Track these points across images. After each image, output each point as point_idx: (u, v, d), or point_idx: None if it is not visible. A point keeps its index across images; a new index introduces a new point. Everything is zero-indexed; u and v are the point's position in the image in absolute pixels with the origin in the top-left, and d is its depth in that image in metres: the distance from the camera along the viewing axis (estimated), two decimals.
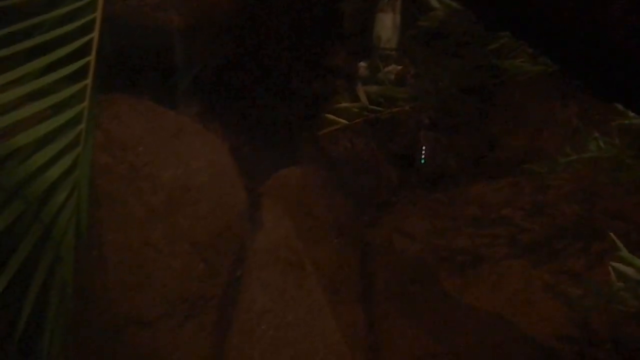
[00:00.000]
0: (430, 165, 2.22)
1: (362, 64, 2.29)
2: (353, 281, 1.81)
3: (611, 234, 1.43)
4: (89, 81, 1.48)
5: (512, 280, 1.82)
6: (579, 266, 1.77)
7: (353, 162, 2.17)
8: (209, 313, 1.66)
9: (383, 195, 2.15)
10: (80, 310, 1.54)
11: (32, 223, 1.32)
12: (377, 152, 2.21)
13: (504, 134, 2.21)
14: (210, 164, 1.74)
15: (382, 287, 1.81)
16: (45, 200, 1.35)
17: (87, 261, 1.57)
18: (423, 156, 2.18)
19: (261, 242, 1.70)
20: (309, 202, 1.93)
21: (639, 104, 1.11)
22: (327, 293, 1.71)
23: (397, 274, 1.86)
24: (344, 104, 1.82)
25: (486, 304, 1.77)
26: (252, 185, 1.87)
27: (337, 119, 1.79)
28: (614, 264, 1.34)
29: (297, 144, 2.13)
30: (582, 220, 1.89)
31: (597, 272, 1.72)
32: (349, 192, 2.06)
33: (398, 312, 1.75)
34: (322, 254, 1.81)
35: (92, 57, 1.49)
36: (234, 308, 1.68)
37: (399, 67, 2.24)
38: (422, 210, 2.06)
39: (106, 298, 1.59)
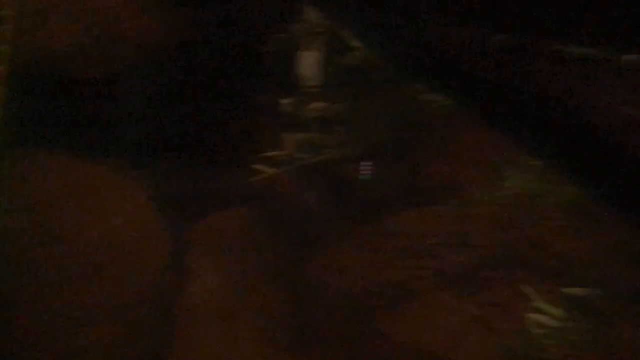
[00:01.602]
0: (358, 197, 2.26)
1: (286, 101, 2.31)
2: (287, 327, 1.80)
3: (522, 287, 1.50)
4: None
5: (440, 314, 1.87)
6: (503, 296, 1.84)
7: (283, 200, 2.17)
8: None
9: (314, 232, 2.16)
10: None
11: None
12: (307, 189, 2.23)
13: (427, 164, 2.28)
14: (131, 218, 1.69)
15: (316, 331, 1.81)
16: None
17: None
18: (368, 173, 2.20)
19: (191, 296, 1.67)
20: (239, 247, 1.91)
21: None
22: (262, 343, 1.69)
23: (332, 315, 1.87)
24: (269, 153, 1.83)
25: (418, 340, 1.80)
26: (178, 234, 1.84)
27: (262, 168, 1.80)
28: (529, 315, 1.40)
29: (223, 186, 2.12)
30: (503, 249, 1.98)
31: (520, 301, 1.79)
32: (280, 233, 2.06)
33: (334, 356, 1.76)
34: (255, 301, 1.80)
35: None
36: None
37: (323, 105, 2.27)
38: (352, 244, 2.09)
39: None
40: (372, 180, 2.25)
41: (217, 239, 1.87)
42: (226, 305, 1.70)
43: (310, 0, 2.33)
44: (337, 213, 2.19)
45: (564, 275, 1.79)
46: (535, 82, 1.77)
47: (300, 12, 2.38)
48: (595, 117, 1.76)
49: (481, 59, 1.80)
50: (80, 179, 1.70)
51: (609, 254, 1.81)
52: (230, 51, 2.25)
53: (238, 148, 2.18)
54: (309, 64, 2.34)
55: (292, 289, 1.93)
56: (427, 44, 2.03)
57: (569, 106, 1.78)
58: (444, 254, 2.01)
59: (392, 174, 2.27)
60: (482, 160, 2.15)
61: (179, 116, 2.18)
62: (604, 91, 1.74)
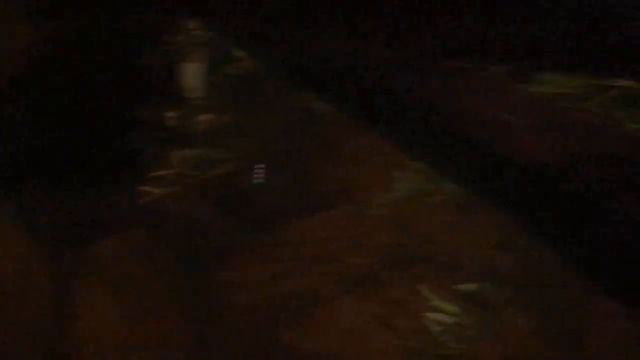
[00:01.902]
0: (253, 209, 2.24)
1: (171, 114, 2.23)
2: (190, 350, 1.74)
3: (419, 285, 1.55)
4: None
5: (344, 318, 1.89)
6: (401, 296, 1.90)
7: (175, 221, 2.10)
8: None
9: (211, 249, 2.11)
10: None
11: None
12: (200, 206, 2.17)
13: (319, 171, 2.31)
14: (5, 256, 1.55)
15: (220, 351, 1.77)
16: None
17: None
18: (261, 183, 2.17)
19: (80, 335, 1.56)
20: (132, 274, 1.83)
21: None
22: None
23: (235, 332, 1.84)
24: (159, 172, 1.76)
25: (324, 347, 1.82)
26: (62, 267, 1.72)
27: (151, 189, 1.73)
28: (427, 313, 1.46)
29: (109, 211, 2.01)
30: (398, 248, 2.04)
31: (417, 300, 1.86)
32: (175, 254, 1.99)
33: None
34: (154, 331, 1.72)
35: None
36: None
37: (209, 117, 2.23)
38: (251, 257, 2.07)
39: None
40: (267, 190, 2.24)
41: (106, 268, 1.78)
42: (122, 337, 1.61)
43: (190, 11, 2.27)
44: (234, 227, 2.16)
45: (455, 270, 1.87)
46: (417, 91, 1.85)
47: (181, 24, 2.32)
48: (472, 121, 1.87)
49: (366, 70, 1.84)
50: None
51: (492, 247, 1.93)
52: (109, 64, 2.15)
53: (123, 168, 2.08)
54: (192, 75, 2.28)
55: (193, 310, 1.87)
56: (312, 53, 2.05)
57: (449, 112, 1.87)
58: (343, 257, 2.04)
59: (286, 183, 2.27)
60: (372, 164, 2.21)
61: (54, 136, 2.05)
62: (479, 98, 1.85)
